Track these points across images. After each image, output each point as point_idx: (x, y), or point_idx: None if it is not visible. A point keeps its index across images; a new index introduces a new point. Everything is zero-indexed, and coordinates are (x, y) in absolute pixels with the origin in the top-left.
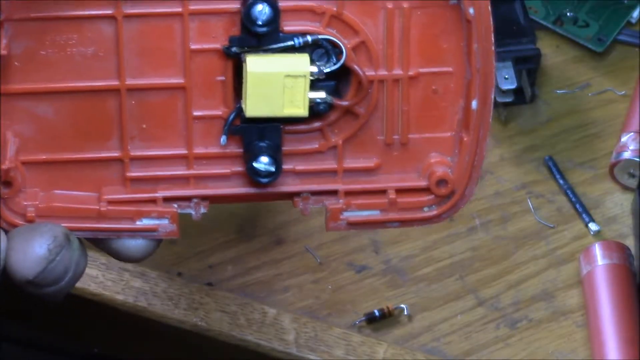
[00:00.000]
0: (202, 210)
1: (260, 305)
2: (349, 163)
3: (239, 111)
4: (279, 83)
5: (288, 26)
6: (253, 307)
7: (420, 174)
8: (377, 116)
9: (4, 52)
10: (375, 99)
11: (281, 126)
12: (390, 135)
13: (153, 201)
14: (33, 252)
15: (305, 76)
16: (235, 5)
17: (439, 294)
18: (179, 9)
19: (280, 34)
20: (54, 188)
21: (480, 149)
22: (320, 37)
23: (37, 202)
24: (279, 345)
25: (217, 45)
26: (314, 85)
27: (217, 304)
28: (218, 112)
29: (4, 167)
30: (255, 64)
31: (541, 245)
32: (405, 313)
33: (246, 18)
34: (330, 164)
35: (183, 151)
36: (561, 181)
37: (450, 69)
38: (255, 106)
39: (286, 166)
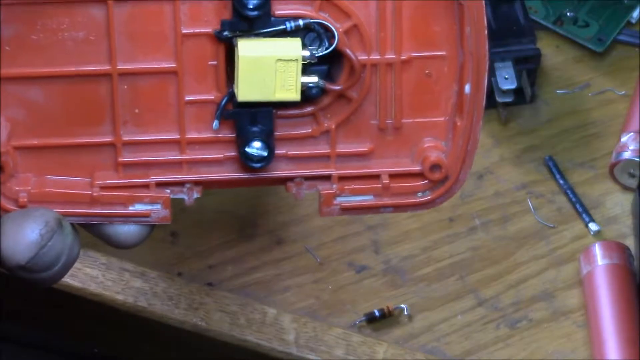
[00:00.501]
0: (195, 195)
1: (260, 305)
2: (342, 148)
3: (231, 96)
4: (270, 67)
5: (280, 10)
6: (253, 307)
7: (414, 158)
8: (370, 100)
9: None
10: (368, 83)
11: (274, 110)
12: (384, 120)
13: (146, 186)
14: (25, 237)
15: (297, 60)
16: None
17: (439, 294)
18: None
19: (272, 18)
20: (46, 173)
21: (474, 133)
22: (312, 21)
23: (30, 188)
24: (279, 345)
25: (209, 30)
26: (306, 69)
27: (217, 304)
28: (210, 97)
29: None
30: (247, 48)
31: (541, 245)
32: (405, 313)
33: (237, 2)
34: (323, 149)
35: (175, 136)
36: (561, 181)
37: (443, 53)
38: (247, 90)
39: (279, 151)
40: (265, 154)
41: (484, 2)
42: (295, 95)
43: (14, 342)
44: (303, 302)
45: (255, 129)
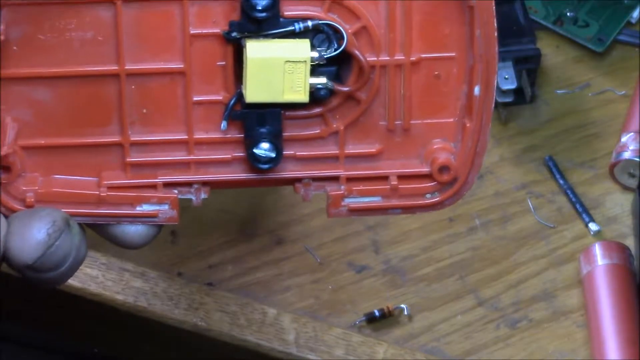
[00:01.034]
0: (203, 195)
1: (260, 305)
2: (351, 149)
3: (240, 96)
4: (279, 69)
5: (288, 11)
6: (253, 307)
7: (423, 160)
8: (379, 102)
9: (2, 37)
10: (376, 84)
11: (282, 112)
12: (393, 121)
13: (153, 187)
14: (32, 237)
15: (305, 62)
16: None
17: (439, 294)
18: None
19: (281, 19)
20: (54, 173)
21: (484, 135)
22: (321, 22)
23: (37, 187)
24: (279, 345)
25: (217, 30)
26: (315, 70)
27: (217, 304)
28: (218, 97)
29: (3, 152)
30: (255, 49)
31: (541, 245)
32: (405, 313)
33: (246, 3)
34: (331, 150)
35: (183, 136)
36: (561, 181)
37: (452, 55)
38: (255, 92)
39: (287, 152)
40: (273, 155)
41: (493, 4)
42: (303, 97)
43: (14, 342)
44: (303, 302)
45: (263, 130)
